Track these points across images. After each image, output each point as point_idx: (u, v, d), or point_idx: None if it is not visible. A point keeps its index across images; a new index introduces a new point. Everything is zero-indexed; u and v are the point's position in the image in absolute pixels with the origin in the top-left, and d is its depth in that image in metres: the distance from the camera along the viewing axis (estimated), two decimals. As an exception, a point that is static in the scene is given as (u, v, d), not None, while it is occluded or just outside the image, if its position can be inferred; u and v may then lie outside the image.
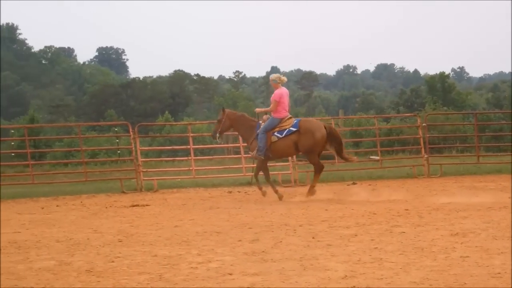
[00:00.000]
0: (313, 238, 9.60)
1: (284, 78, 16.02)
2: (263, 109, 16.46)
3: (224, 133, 16.88)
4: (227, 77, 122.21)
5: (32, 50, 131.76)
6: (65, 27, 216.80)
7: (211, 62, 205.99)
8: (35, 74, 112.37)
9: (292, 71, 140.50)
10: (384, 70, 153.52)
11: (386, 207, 12.94)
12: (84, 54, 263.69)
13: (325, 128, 15.76)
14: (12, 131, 31.61)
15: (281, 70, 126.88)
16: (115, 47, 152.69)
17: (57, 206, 16.21)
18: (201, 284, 6.91)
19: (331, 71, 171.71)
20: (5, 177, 22.02)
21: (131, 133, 20.54)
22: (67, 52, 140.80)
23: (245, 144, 17.40)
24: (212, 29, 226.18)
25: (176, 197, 17.16)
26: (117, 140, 23.66)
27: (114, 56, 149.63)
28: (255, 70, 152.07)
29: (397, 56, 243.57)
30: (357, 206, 13.36)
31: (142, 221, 12.34)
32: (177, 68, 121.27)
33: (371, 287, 6.47)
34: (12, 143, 29.32)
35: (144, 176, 20.07)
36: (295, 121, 15.75)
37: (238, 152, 22.19)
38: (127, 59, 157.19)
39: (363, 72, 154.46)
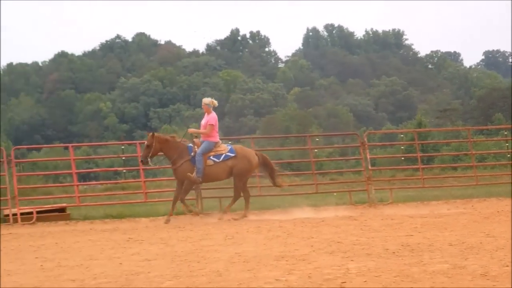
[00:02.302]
0: None
1: (216, 103, 16.18)
2: (196, 130, 16.40)
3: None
4: None
5: (419, 55, 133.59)
6: (452, 31, 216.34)
7: None
8: (422, 79, 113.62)
9: None
10: None
11: None
12: (471, 58, 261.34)
13: (256, 155, 16.40)
14: (402, 135, 32.20)
15: None
16: (501, 50, 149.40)
17: (448, 209, 16.13)
18: None
19: None
20: (396, 180, 22.52)
21: (521, 136, 19.87)
22: (453, 56, 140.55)
23: None
24: None
25: None
26: (507, 144, 22.95)
27: (500, 59, 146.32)
28: None
29: None
30: None
31: (535, 226, 11.78)
32: None
33: None
34: (402, 147, 29.88)
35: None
36: (229, 147, 16.20)
37: None
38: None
39: None
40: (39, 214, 17.65)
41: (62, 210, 18.42)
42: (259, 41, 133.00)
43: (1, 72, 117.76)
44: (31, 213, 17.63)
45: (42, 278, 8.34)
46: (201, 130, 16.21)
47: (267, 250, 10.02)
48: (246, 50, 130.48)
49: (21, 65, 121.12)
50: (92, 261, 9.71)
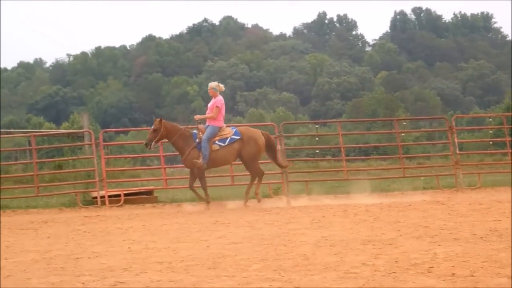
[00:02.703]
0: None
1: (222, 87, 16.12)
2: (203, 116, 16.14)
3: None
4: None
5: (507, 38, 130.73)
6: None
7: None
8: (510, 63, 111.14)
9: None
10: None
11: None
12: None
13: (263, 134, 16.16)
14: (490, 119, 31.62)
15: None
16: None
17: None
18: None
19: None
20: (484, 165, 22.14)
21: None
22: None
23: None
24: None
25: None
26: None
27: None
28: None
29: None
30: None
31: None
32: None
33: None
34: (490, 132, 29.43)
35: None
36: (234, 130, 16.02)
37: None
38: None
39: None
40: (126, 197, 17.96)
41: (149, 192, 18.68)
42: (346, 24, 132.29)
43: (89, 55, 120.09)
44: (119, 195, 17.95)
45: (130, 260, 8.50)
46: (207, 114, 16.04)
47: (354, 234, 10.01)
48: (333, 33, 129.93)
49: (109, 49, 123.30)
50: (180, 243, 9.84)
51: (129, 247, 9.69)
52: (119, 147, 32.68)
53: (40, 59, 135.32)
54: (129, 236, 11.10)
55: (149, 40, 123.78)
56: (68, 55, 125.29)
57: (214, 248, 9.22)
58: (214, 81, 16.99)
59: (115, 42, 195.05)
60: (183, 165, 16.65)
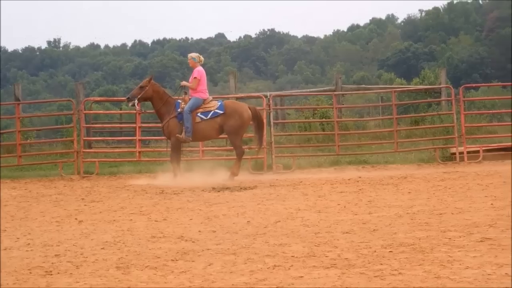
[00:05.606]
0: None
1: (203, 58, 15.82)
2: (186, 83, 15.78)
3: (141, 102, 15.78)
4: None
5: None
6: None
7: None
8: None
9: None
10: None
11: None
12: None
13: (249, 109, 15.63)
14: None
15: None
16: None
17: None
18: None
19: None
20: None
21: None
22: None
23: None
24: None
25: None
26: None
27: None
28: None
29: None
30: None
31: None
32: None
33: None
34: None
35: None
36: (219, 103, 15.64)
37: None
38: None
39: None
40: (485, 153, 17.78)
41: (507, 149, 18.30)
42: None
43: (441, 10, 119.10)
44: (477, 151, 17.83)
45: (494, 217, 8.59)
46: (189, 84, 15.73)
47: None
48: None
49: (462, 4, 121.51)
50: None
51: (491, 204, 9.74)
52: (469, 102, 32.35)
53: (392, 15, 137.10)
54: (490, 192, 11.13)
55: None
56: (420, 10, 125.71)
57: None
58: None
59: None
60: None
